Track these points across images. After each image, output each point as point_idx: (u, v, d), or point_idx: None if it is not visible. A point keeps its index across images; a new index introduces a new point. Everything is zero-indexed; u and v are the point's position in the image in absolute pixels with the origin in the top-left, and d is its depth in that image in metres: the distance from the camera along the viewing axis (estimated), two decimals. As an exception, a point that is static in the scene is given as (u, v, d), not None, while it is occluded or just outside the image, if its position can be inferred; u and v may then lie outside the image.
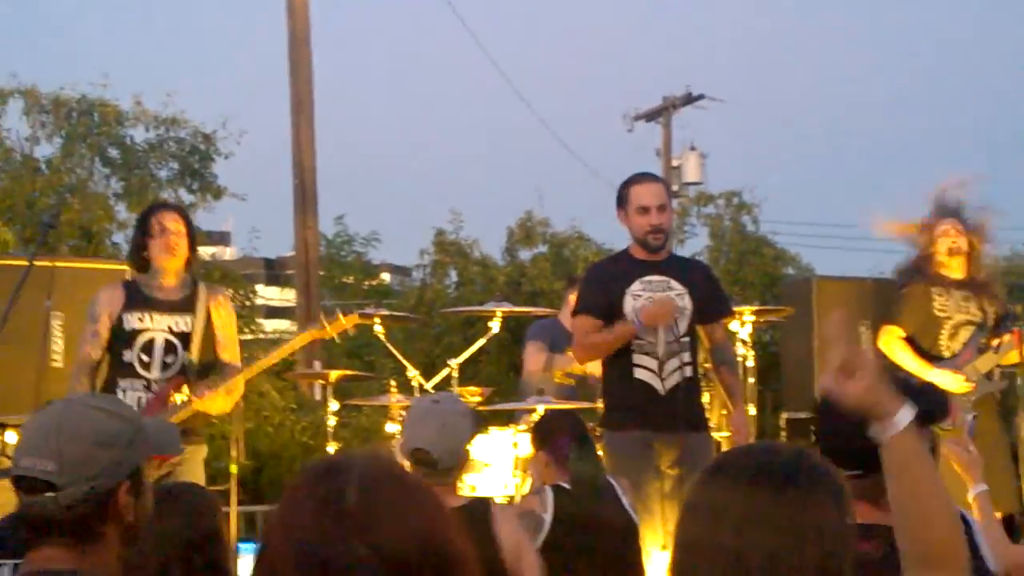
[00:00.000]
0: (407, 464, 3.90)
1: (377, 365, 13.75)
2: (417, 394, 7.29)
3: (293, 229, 14.17)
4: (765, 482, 1.96)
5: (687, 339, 5.59)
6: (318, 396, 12.39)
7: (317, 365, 10.34)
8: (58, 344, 7.43)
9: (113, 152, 14.65)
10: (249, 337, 13.65)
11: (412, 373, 7.32)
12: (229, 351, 5.61)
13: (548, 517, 4.49)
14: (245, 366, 5.71)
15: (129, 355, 5.40)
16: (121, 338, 5.41)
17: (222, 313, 5.61)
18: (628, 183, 5.71)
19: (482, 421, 4.11)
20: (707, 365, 6.08)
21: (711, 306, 5.75)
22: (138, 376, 5.39)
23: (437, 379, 7.51)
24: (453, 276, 17.64)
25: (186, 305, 5.50)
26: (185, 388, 5.41)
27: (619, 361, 5.62)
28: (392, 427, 7.42)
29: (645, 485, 5.34)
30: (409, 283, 19.45)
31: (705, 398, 7.07)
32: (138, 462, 2.37)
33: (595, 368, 7.71)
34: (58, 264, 6.04)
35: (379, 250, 21.40)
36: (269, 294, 31.12)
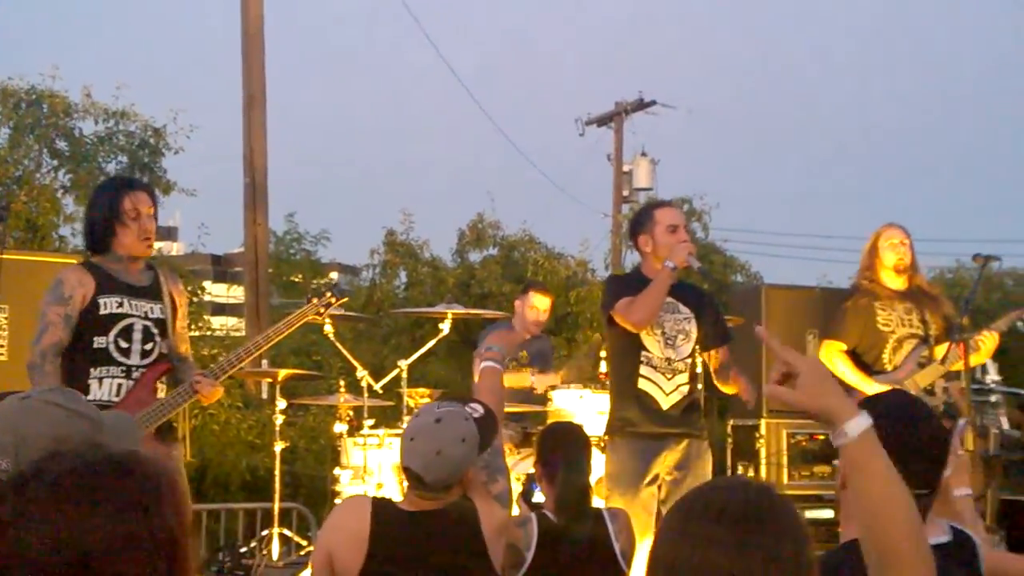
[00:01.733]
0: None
1: (325, 365, 13.69)
2: (366, 394, 7.28)
3: (243, 226, 14.09)
4: (741, 520, 1.96)
5: (688, 360, 5.82)
6: (265, 395, 12.33)
7: (265, 363, 10.28)
8: (2, 337, 7.36)
9: (61, 144, 14.50)
10: (196, 334, 13.55)
11: (361, 373, 7.31)
12: (185, 343, 5.37)
13: (529, 555, 4.47)
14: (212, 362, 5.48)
15: (102, 341, 5.01)
16: (94, 323, 5.02)
17: (182, 302, 5.36)
18: (653, 208, 6.04)
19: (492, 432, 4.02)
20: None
21: (715, 333, 5.96)
22: (116, 363, 5.03)
23: (387, 380, 7.50)
24: (403, 277, 17.63)
25: (154, 291, 5.20)
26: (166, 377, 5.16)
27: (625, 371, 5.84)
28: (340, 427, 7.41)
29: (644, 487, 5.62)
30: (358, 283, 19.36)
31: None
32: None
33: (539, 385, 7.75)
34: (4, 256, 5.88)
35: (328, 249, 21.36)
36: (217, 291, 30.95)
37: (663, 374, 5.80)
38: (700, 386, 5.98)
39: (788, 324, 8.97)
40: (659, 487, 5.66)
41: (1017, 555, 3.69)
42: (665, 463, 5.70)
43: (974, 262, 6.55)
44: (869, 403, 2.87)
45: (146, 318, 5.12)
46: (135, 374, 5.05)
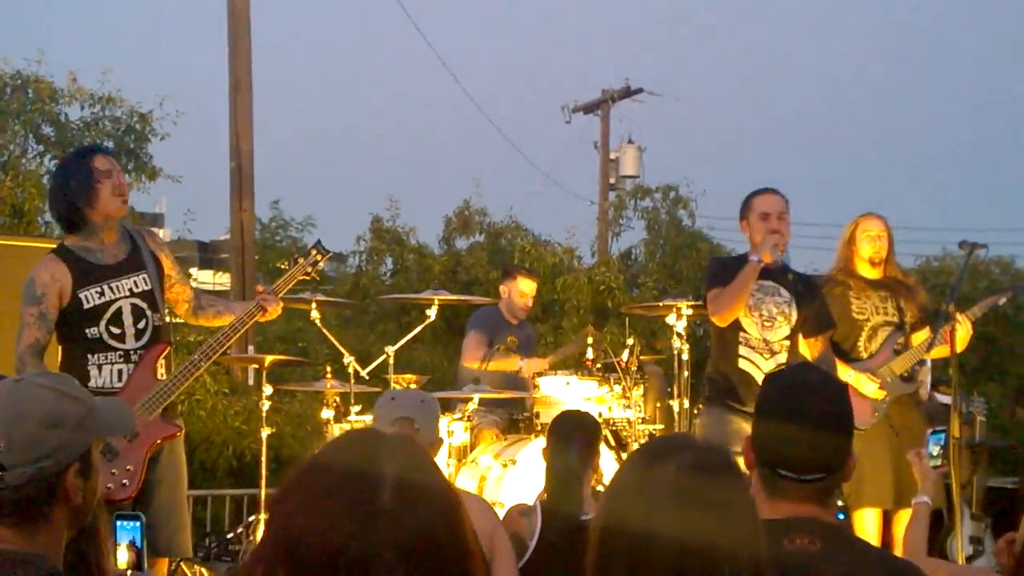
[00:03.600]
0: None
1: (311, 351, 13.68)
2: (352, 380, 7.27)
3: (229, 212, 14.06)
4: (706, 467, 1.96)
5: (787, 342, 5.95)
6: (252, 381, 12.31)
7: (251, 349, 10.29)
8: (-12, 322, 7.33)
9: (47, 129, 14.46)
10: (181, 320, 13.53)
11: (348, 359, 7.30)
12: (188, 285, 5.37)
13: (532, 543, 4.49)
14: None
15: (95, 331, 4.96)
16: (81, 316, 4.97)
17: (166, 254, 5.27)
18: (752, 195, 6.07)
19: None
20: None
21: (815, 321, 6.08)
22: (112, 349, 4.99)
23: (373, 366, 7.49)
24: (389, 264, 17.61)
25: (135, 262, 5.09)
26: (168, 353, 5.15)
27: (727, 351, 5.98)
28: (327, 413, 7.40)
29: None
30: (344, 269, 19.35)
31: (639, 391, 7.14)
32: (88, 444, 2.33)
33: (526, 370, 7.75)
34: (-3, 243, 5.85)
35: (314, 235, 21.32)
36: (203, 277, 30.90)
37: (761, 354, 5.92)
38: None
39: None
40: None
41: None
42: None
43: (960, 250, 6.54)
44: (765, 381, 2.87)
45: (132, 295, 5.04)
46: (134, 357, 5.02)
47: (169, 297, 5.28)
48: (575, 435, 4.84)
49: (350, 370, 7.30)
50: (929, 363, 6.58)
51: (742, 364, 5.91)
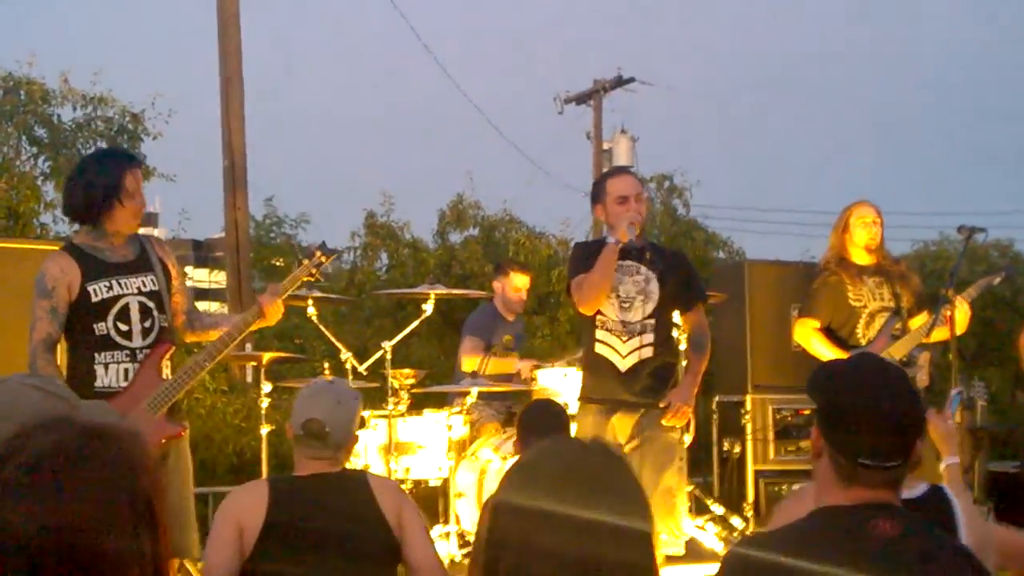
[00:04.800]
0: (297, 438, 3.97)
1: (308, 348, 13.66)
2: (350, 376, 7.27)
3: (223, 210, 14.05)
4: (579, 485, 1.96)
5: (650, 321, 5.71)
6: (250, 379, 12.30)
7: (249, 347, 10.26)
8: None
9: (40, 131, 14.43)
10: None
11: (346, 355, 7.30)
12: (189, 299, 5.37)
13: None
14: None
15: (103, 327, 4.94)
16: (89, 311, 4.94)
17: (172, 262, 5.27)
18: (604, 178, 5.96)
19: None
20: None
21: (684, 293, 5.87)
22: (119, 347, 4.97)
23: (371, 361, 7.49)
24: (384, 259, 17.61)
25: (144, 262, 5.10)
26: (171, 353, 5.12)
27: (586, 337, 5.80)
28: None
29: None
30: (339, 265, 19.35)
31: None
32: None
33: (525, 371, 7.75)
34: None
35: (309, 232, 21.29)
36: (199, 276, 30.89)
37: (619, 336, 5.71)
38: (672, 355, 5.87)
39: (771, 299, 8.98)
40: None
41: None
42: (620, 432, 5.60)
43: (959, 234, 6.56)
44: (827, 370, 2.87)
45: (139, 293, 5.03)
46: (140, 356, 5.00)
47: (170, 305, 5.25)
48: (547, 424, 4.94)
49: (348, 366, 7.31)
50: (929, 351, 6.58)
51: (598, 348, 5.73)
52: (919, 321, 6.52)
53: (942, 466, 4.11)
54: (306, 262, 5.46)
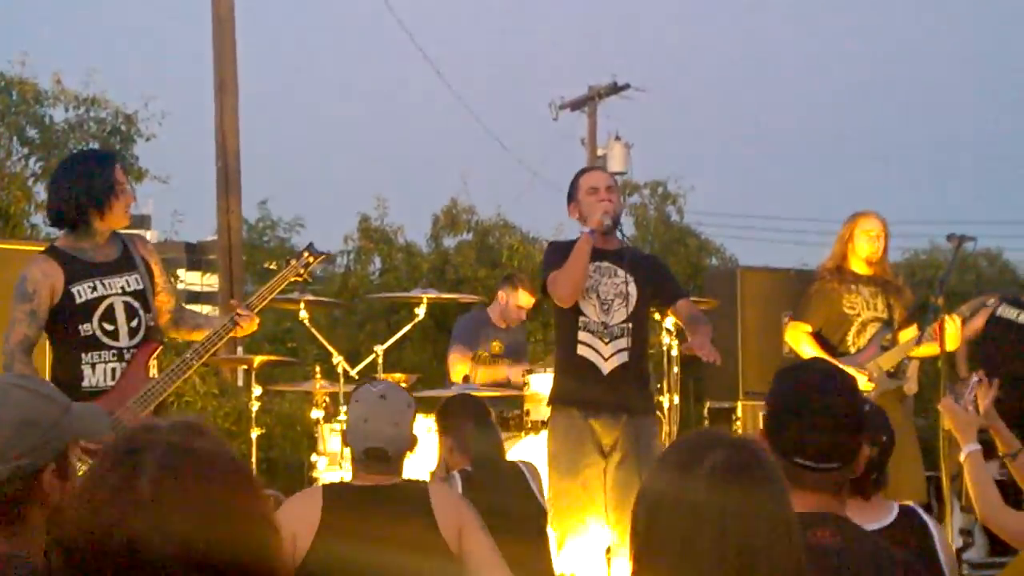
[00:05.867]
0: (357, 457, 3.94)
1: (300, 351, 13.65)
2: (342, 380, 7.26)
3: (216, 213, 14.04)
4: (742, 477, 1.94)
5: (627, 324, 5.57)
6: (240, 382, 12.29)
7: (240, 350, 10.27)
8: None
9: (32, 132, 14.40)
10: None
11: (337, 359, 7.29)
12: (175, 296, 5.33)
13: None
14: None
15: (88, 327, 4.91)
16: (74, 312, 4.90)
17: (156, 260, 5.23)
18: (576, 176, 5.81)
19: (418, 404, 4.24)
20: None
21: (665, 290, 5.78)
22: (106, 347, 4.93)
23: (362, 365, 7.48)
24: (377, 263, 17.60)
25: (126, 262, 5.06)
26: (158, 352, 5.08)
27: (565, 338, 5.66)
28: (317, 413, 7.38)
29: (585, 466, 5.39)
30: (332, 269, 19.34)
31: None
32: (64, 444, 2.32)
33: (515, 376, 7.73)
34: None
35: (302, 235, 21.27)
36: (191, 279, 30.87)
37: (600, 338, 5.57)
38: (645, 362, 5.80)
39: (764, 307, 9.00)
40: (604, 461, 5.42)
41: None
42: (603, 438, 5.46)
43: (949, 242, 6.55)
44: (778, 372, 2.85)
45: (124, 293, 4.99)
46: (127, 356, 4.97)
47: (155, 304, 5.23)
48: (490, 422, 5.15)
49: (339, 370, 7.29)
50: (918, 360, 6.59)
51: (580, 350, 5.57)
52: (909, 334, 6.53)
53: (962, 455, 4.00)
54: (294, 262, 5.44)
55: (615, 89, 24.11)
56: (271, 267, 5.92)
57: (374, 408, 3.96)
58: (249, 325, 5.16)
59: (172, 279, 5.49)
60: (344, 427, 4.04)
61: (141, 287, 5.04)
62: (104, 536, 1.63)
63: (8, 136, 14.18)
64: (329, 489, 4.06)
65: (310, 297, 7.37)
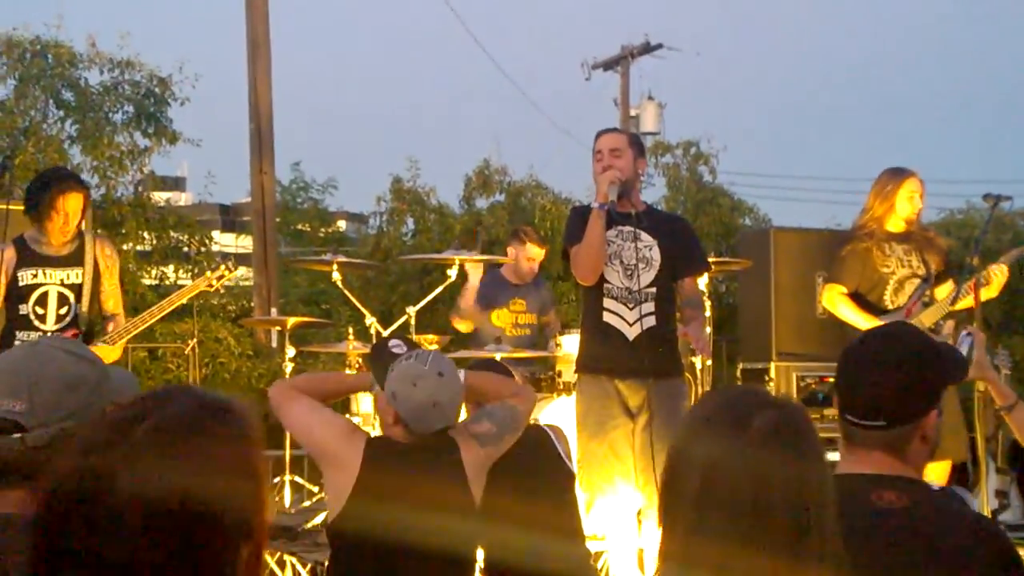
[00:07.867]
0: (410, 424, 3.97)
1: (333, 312, 13.69)
2: (375, 341, 7.28)
3: (250, 175, 14.07)
4: (796, 439, 1.95)
5: (651, 289, 5.51)
6: (275, 343, 12.35)
7: (274, 312, 10.31)
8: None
9: (67, 95, 14.47)
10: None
11: (370, 320, 7.31)
12: (113, 300, 6.05)
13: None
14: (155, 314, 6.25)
15: (24, 308, 5.83)
16: (17, 293, 5.82)
17: (108, 263, 6.02)
18: (595, 139, 5.74)
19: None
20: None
21: (681, 262, 5.67)
22: (34, 328, 5.79)
23: (395, 326, 7.50)
24: (410, 224, 17.61)
25: (76, 258, 5.89)
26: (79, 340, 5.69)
27: (590, 305, 5.62)
28: (350, 373, 7.41)
29: (612, 427, 5.36)
30: (365, 231, 19.37)
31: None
32: (104, 406, 2.33)
33: (548, 317, 7.73)
34: (12, 208, 6.02)
35: (335, 197, 21.30)
36: (225, 240, 30.96)
37: (625, 304, 5.50)
38: (672, 325, 5.67)
39: (797, 266, 8.96)
40: (632, 423, 5.38)
41: None
42: (630, 401, 5.41)
43: (985, 202, 6.49)
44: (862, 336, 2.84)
45: (62, 284, 5.86)
46: None
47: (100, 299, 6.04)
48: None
49: (372, 331, 7.32)
50: (954, 319, 6.55)
51: (606, 317, 5.50)
52: (946, 290, 6.49)
53: (1010, 414, 3.74)
54: (208, 273, 6.46)
55: (648, 49, 24.01)
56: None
57: (439, 390, 3.97)
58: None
59: (123, 286, 6.37)
60: (387, 391, 4.03)
61: (79, 282, 5.89)
62: (90, 480, 1.64)
63: (44, 99, 14.25)
64: (371, 440, 4.08)
65: (342, 259, 7.39)
